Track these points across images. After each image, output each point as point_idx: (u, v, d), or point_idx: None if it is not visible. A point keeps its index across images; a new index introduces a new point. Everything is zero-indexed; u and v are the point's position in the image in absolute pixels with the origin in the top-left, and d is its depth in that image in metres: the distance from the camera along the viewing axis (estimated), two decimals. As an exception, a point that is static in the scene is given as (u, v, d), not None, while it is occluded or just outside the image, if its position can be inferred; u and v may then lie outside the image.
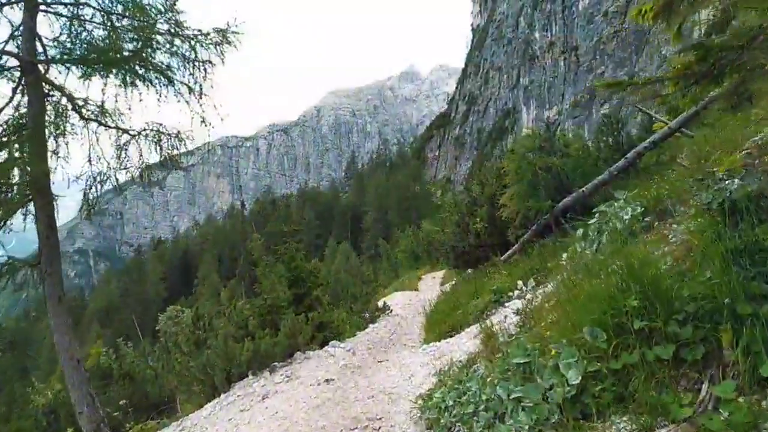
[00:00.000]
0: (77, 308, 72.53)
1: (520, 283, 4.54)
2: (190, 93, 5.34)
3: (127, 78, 4.65)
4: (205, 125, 5.80)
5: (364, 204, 71.33)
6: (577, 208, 5.98)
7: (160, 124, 6.50)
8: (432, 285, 19.38)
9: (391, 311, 9.43)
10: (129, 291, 72.11)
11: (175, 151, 6.76)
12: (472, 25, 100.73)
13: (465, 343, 4.39)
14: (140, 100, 5.10)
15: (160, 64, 4.67)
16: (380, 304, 9.64)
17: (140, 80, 4.74)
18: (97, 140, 6.29)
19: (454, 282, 12.32)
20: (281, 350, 5.47)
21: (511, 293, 5.35)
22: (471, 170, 73.36)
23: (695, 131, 8.97)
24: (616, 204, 3.16)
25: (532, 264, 5.61)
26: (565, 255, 4.02)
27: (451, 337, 5.36)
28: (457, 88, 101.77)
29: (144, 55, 4.39)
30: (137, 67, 4.50)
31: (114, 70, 4.45)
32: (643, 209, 3.08)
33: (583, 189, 5.69)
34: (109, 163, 6.43)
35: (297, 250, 7.17)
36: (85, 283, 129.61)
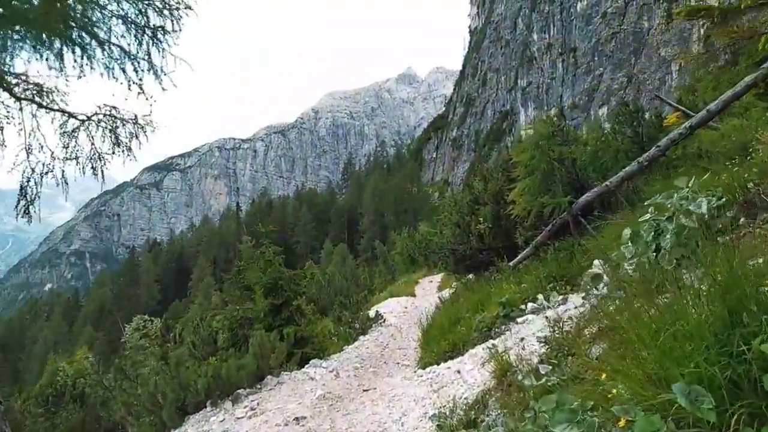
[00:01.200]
0: (71, 310, 71.34)
1: (540, 297, 3.64)
2: (126, 57, 4.43)
3: (45, 39, 3.75)
4: (146, 98, 4.91)
5: (361, 206, 70.58)
6: (596, 205, 5.13)
7: (113, 107, 5.61)
8: (429, 290, 18.42)
9: (384, 321, 8.51)
10: (122, 293, 71.01)
11: (135, 140, 5.88)
12: (469, 27, 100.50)
13: (470, 370, 3.51)
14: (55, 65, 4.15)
15: (84, 19, 3.77)
16: (372, 313, 8.72)
17: (59, 40, 3.83)
18: (38, 126, 5.40)
19: (453, 287, 11.41)
20: (249, 374, 4.55)
21: (523, 306, 4.48)
22: (469, 171, 72.66)
23: (719, 123, 8.14)
24: (677, 194, 2.32)
25: (548, 270, 4.73)
26: (597, 262, 3.16)
27: (452, 358, 4.46)
28: (454, 90, 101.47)
29: (60, 6, 3.49)
30: (55, 24, 3.60)
31: (29, 30, 3.56)
32: (722, 200, 2.23)
33: (608, 183, 4.82)
34: (53, 153, 5.53)
35: (276, 253, 6.26)
36: (81, 285, 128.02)
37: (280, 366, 4.95)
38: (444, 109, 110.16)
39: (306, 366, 5.40)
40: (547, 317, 3.21)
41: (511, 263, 5.48)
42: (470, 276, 8.73)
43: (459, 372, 3.60)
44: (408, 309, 10.46)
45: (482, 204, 7.25)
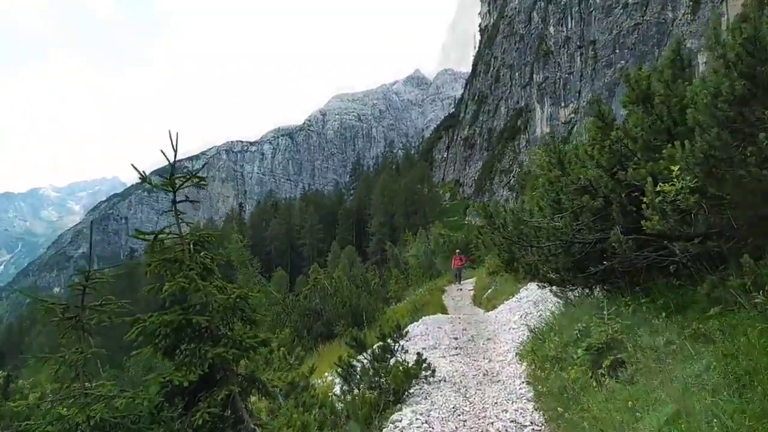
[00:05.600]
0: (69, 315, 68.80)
1: None
2: None
3: None
4: None
5: (370, 207, 67.51)
6: None
7: None
8: (462, 302, 14.50)
9: (432, 372, 4.70)
10: (120, 298, 68.31)
11: None
12: (480, 25, 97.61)
13: None
14: None
15: None
16: (410, 356, 4.87)
17: None
18: None
19: (517, 306, 7.52)
20: None
21: None
22: (482, 171, 69.02)
23: None
24: None
25: None
26: None
27: None
28: (465, 87, 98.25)
29: None
30: None
31: None
32: None
33: None
34: None
35: (201, 240, 2.50)
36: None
37: None
38: (454, 109, 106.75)
39: None
40: None
41: None
42: (576, 293, 4.91)
43: None
44: (459, 339, 6.61)
45: (644, 150, 3.43)
